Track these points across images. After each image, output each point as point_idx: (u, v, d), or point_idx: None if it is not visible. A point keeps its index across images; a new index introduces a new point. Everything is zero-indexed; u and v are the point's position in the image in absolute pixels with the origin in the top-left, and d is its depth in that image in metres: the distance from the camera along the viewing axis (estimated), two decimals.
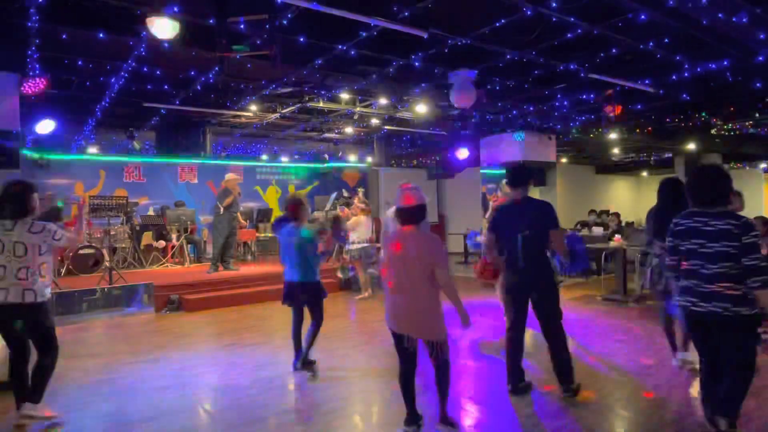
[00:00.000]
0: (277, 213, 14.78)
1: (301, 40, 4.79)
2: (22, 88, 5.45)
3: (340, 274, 10.32)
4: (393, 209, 5.09)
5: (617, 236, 9.01)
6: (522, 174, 3.95)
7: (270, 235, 13.48)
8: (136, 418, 3.97)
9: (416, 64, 5.76)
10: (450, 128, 10.20)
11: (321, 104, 7.56)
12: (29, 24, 4.22)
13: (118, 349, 6.25)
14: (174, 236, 12.31)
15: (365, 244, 9.59)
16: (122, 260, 11.54)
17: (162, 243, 12.18)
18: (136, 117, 7.85)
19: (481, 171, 11.66)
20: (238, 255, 12.23)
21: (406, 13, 4.26)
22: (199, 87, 6.20)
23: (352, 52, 5.24)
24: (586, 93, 7.36)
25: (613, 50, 5.74)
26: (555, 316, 3.89)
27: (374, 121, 8.99)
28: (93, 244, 10.86)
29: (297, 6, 4.06)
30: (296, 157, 13.86)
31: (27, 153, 10.98)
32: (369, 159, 12.89)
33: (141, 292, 9.31)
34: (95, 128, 8.77)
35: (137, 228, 12.00)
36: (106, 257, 11.11)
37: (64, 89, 6.49)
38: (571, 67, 6.05)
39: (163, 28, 4.01)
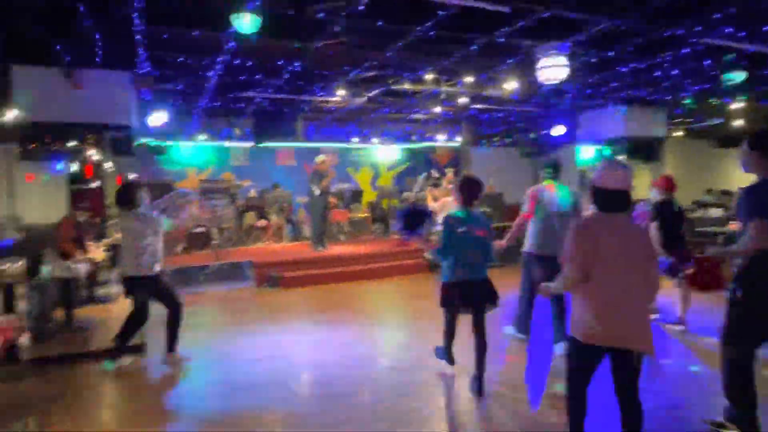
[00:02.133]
0: (369, 195, 15.13)
1: (379, 24, 4.79)
2: (135, 85, 6.05)
3: (429, 256, 10.35)
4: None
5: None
6: None
7: (362, 215, 13.82)
8: (233, 387, 4.31)
9: (500, 40, 5.51)
10: (544, 104, 9.68)
11: (406, 86, 7.53)
12: (135, 27, 4.64)
13: (221, 320, 6.86)
14: (273, 216, 13.11)
15: None
16: (227, 239, 12.54)
17: (262, 222, 13.03)
18: (235, 106, 8.38)
19: (578, 148, 10.97)
20: (331, 234, 12.72)
21: None
22: (287, 75, 6.46)
23: (431, 33, 5.13)
24: (700, 60, 6.56)
25: (731, 9, 5.04)
26: None
27: (461, 100, 8.78)
28: (203, 225, 11.91)
29: None
30: (385, 138, 13.98)
31: (146, 141, 12.18)
32: (458, 138, 12.65)
33: (243, 269, 10.08)
34: (201, 117, 9.49)
35: (241, 209, 12.93)
36: (214, 236, 12.16)
37: (172, 83, 7.08)
38: (678, 32, 5.42)
39: (246, 22, 4.22)
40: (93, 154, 6.75)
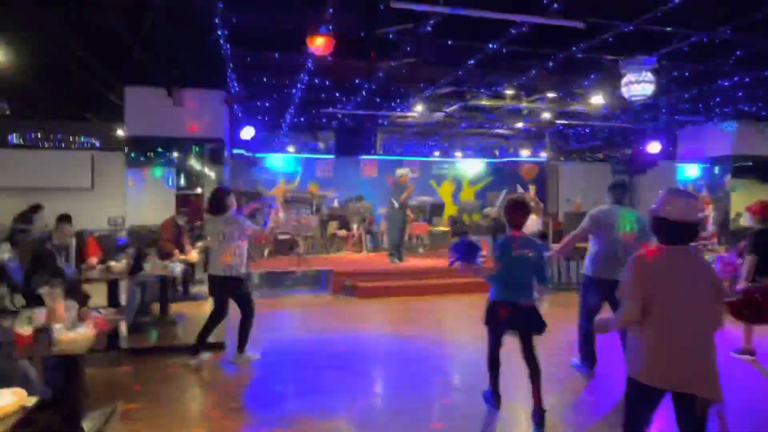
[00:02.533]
0: (450, 208, 15.05)
1: (450, 42, 4.82)
2: (227, 102, 6.62)
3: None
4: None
5: None
6: None
7: (443, 229, 13.78)
8: (297, 391, 4.53)
9: (578, 55, 5.29)
10: (636, 119, 9.10)
11: (484, 101, 7.46)
12: (223, 51, 5.09)
13: (294, 326, 7.20)
14: (354, 226, 13.48)
15: None
16: (311, 246, 13.09)
17: (344, 232, 13.44)
18: (318, 121, 8.82)
19: (679, 166, 10.14)
20: (411, 247, 12.81)
21: (556, 6, 3.95)
22: (364, 92, 6.69)
23: (503, 50, 5.07)
24: None
25: None
26: None
27: (545, 116, 8.52)
28: (289, 232, 12.55)
29: (438, 12, 4.11)
30: (470, 152, 13.87)
31: (242, 152, 13.09)
32: (543, 153, 12.22)
33: (322, 277, 10.48)
34: (288, 131, 10.07)
35: (324, 218, 13.46)
36: (300, 243, 12.78)
37: (260, 101, 7.62)
38: None
39: (321, 45, 4.46)
40: (194, 164, 7.47)
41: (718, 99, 7.39)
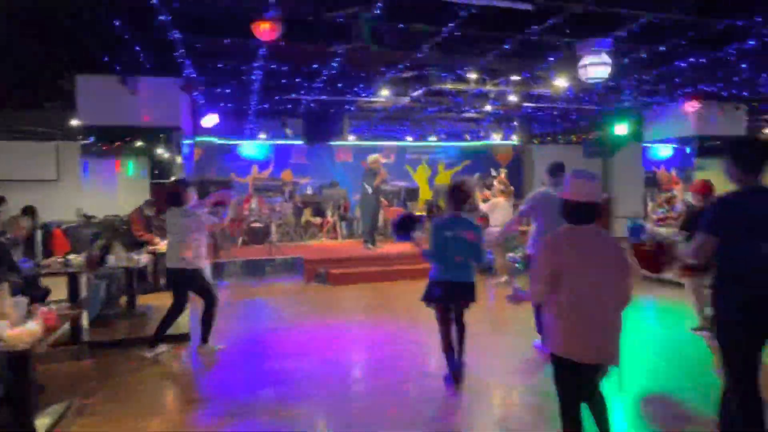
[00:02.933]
0: (425, 193, 15.05)
1: (401, 26, 4.77)
2: (184, 89, 6.49)
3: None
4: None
5: None
6: (762, 153, 2.87)
7: (420, 213, 13.79)
8: (259, 379, 4.58)
9: (533, 38, 5.26)
10: (603, 101, 9.13)
11: (448, 85, 7.43)
12: (171, 36, 4.97)
13: (264, 314, 7.20)
14: (329, 213, 13.44)
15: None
16: (285, 234, 13.03)
17: (318, 219, 13.41)
18: (284, 107, 8.72)
19: (644, 146, 10.23)
20: (386, 232, 12.82)
21: None
22: (324, 77, 6.61)
23: (456, 33, 5.02)
24: None
25: None
26: None
27: (511, 99, 8.50)
28: (262, 220, 12.46)
29: None
30: (443, 136, 13.83)
31: (212, 139, 12.89)
32: (513, 137, 12.26)
33: (293, 265, 10.45)
34: (256, 118, 9.93)
35: (299, 205, 13.38)
36: (273, 231, 12.70)
37: (221, 87, 7.48)
38: (738, 23, 4.88)
39: (266, 30, 4.39)
40: (156, 153, 7.34)
41: (677, 80, 7.43)
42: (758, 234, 2.74)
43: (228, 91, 7.47)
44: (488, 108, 9.28)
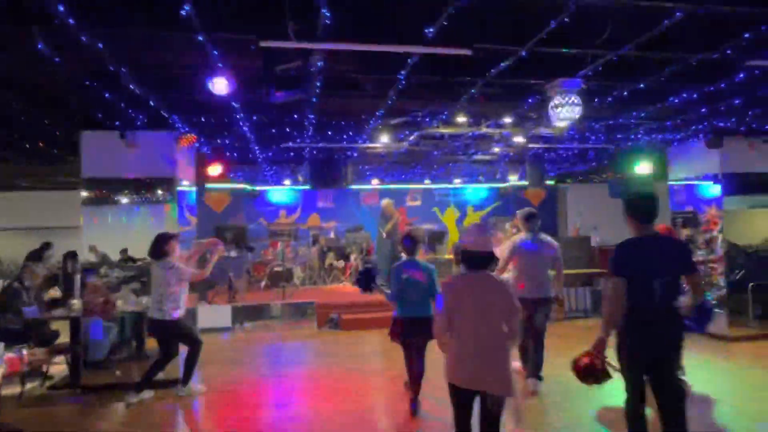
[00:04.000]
0: (454, 235, 14.78)
1: (354, 75, 4.84)
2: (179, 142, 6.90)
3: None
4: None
5: None
6: (655, 206, 3.67)
7: (448, 256, 13.53)
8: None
9: (489, 81, 5.15)
10: (611, 141, 8.71)
11: (441, 129, 7.38)
12: (142, 93, 5.33)
13: (260, 360, 7.22)
14: (352, 257, 13.47)
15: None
16: (309, 277, 13.17)
17: (341, 263, 13.46)
18: (288, 155, 9.02)
19: (670, 184, 9.57)
20: None
21: (429, 31, 3.84)
22: (310, 127, 6.78)
23: (412, 79, 5.02)
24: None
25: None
26: (683, 390, 3.53)
27: (518, 140, 8.30)
28: (284, 263, 12.68)
29: (319, 49, 4.14)
30: (460, 179, 13.68)
31: (244, 186, 13.43)
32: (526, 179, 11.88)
33: (306, 310, 10.49)
34: (270, 166, 10.30)
35: (323, 249, 13.54)
36: (297, 274, 12.91)
37: (221, 139, 7.88)
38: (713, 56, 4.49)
39: (221, 85, 4.62)
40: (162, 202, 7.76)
41: (679, 120, 6.98)
42: (651, 273, 3.37)
43: (227, 141, 7.82)
44: (497, 150, 9.11)
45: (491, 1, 3.82)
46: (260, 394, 5.70)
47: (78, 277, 10.07)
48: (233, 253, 11.82)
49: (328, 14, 3.45)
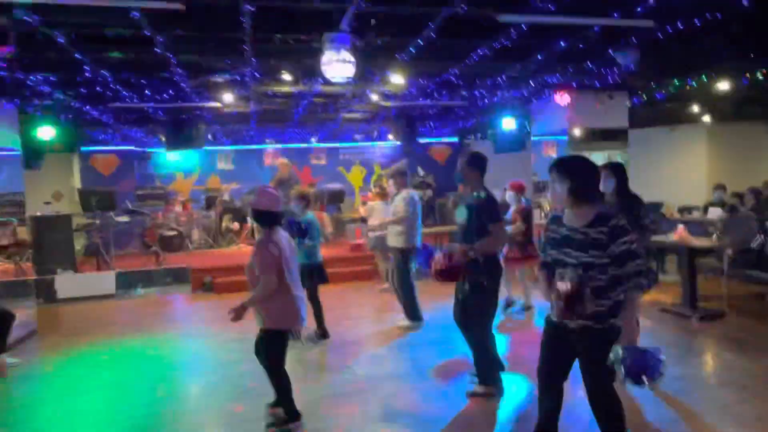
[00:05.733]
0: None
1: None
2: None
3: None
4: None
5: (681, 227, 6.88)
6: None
7: (350, 216, 13.42)
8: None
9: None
10: (467, 99, 8.54)
11: (272, 87, 7.09)
12: None
13: (117, 329, 7.02)
14: (249, 219, 13.24)
15: (382, 233, 8.49)
16: (204, 241, 12.94)
17: (236, 225, 13.23)
18: (135, 116, 8.62)
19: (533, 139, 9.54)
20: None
21: None
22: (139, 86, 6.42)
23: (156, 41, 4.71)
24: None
25: None
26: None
27: (374, 97, 8.07)
28: (178, 227, 12.39)
29: None
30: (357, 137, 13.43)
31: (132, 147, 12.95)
32: (390, 136, 11.69)
33: (182, 274, 10.32)
34: (119, 125, 9.76)
35: (220, 212, 13.26)
36: (191, 238, 12.65)
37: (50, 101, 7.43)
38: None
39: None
40: None
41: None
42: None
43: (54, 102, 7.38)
44: (357, 108, 8.86)
45: None
46: (117, 361, 5.62)
47: None
48: (124, 218, 11.50)
49: None
